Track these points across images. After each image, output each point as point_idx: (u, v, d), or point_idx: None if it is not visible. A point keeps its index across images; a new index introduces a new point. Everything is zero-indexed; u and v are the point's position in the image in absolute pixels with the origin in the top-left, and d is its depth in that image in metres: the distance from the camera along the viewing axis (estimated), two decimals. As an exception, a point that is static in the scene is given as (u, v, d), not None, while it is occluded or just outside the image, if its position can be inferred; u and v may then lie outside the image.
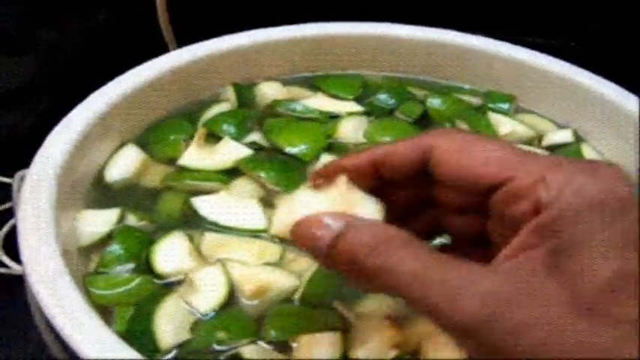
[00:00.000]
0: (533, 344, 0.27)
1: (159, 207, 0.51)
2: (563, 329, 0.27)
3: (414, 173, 0.35)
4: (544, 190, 0.30)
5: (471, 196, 0.34)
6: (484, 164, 0.32)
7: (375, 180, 0.37)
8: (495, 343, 0.27)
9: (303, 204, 0.36)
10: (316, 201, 0.36)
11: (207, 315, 0.44)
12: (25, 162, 0.49)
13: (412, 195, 0.38)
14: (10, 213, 0.65)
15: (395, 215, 0.36)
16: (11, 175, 0.50)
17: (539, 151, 0.60)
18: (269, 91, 0.63)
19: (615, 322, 0.27)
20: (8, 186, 0.66)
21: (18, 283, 0.45)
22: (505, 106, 0.65)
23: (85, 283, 0.45)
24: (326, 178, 0.37)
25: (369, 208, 0.36)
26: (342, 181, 0.36)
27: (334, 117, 0.61)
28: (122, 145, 0.56)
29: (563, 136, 0.62)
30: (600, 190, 0.29)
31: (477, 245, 0.36)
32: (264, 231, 0.49)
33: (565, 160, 0.31)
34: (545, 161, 0.31)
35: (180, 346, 0.42)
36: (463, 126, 0.61)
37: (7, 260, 0.63)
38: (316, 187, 0.37)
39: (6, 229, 0.65)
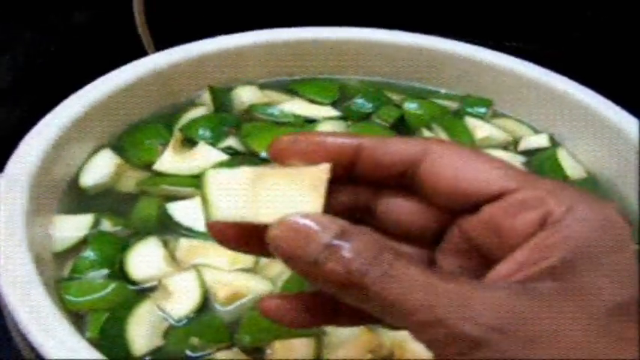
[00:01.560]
0: (548, 358, 0.26)
1: (134, 212, 0.51)
2: (582, 346, 0.26)
3: (394, 176, 0.32)
4: (556, 203, 0.28)
5: (443, 212, 0.32)
6: (485, 174, 0.30)
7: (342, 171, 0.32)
8: (505, 356, 0.26)
9: (265, 185, 0.30)
10: (283, 183, 0.30)
11: (181, 321, 0.44)
12: (2, 164, 0.48)
13: (353, 203, 0.34)
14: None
15: None
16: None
17: (517, 157, 0.60)
18: (246, 95, 0.63)
19: (631, 342, 0.26)
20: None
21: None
22: (482, 110, 0.65)
23: (58, 289, 0.44)
24: (301, 150, 0.32)
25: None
26: (324, 170, 0.31)
27: (311, 121, 0.61)
28: (98, 149, 0.56)
29: (539, 141, 0.62)
30: (606, 216, 0.28)
31: None
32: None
33: (568, 185, 0.30)
34: (551, 181, 0.30)
35: (153, 352, 0.42)
36: (441, 132, 0.61)
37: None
38: (284, 158, 0.32)
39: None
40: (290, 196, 0.30)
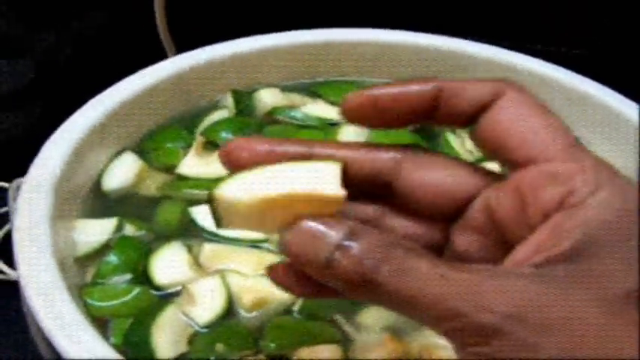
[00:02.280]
0: (565, 344, 0.25)
1: (157, 216, 0.51)
2: (596, 332, 0.25)
3: (465, 120, 0.31)
4: (582, 182, 0.27)
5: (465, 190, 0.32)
6: (531, 134, 0.29)
7: (427, 120, 0.32)
8: (522, 345, 0.25)
9: (280, 174, 0.30)
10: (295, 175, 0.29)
11: (205, 327, 0.43)
12: (20, 166, 0.48)
13: (366, 179, 0.33)
14: (5, 218, 0.65)
15: None
16: (6, 179, 0.49)
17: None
18: (268, 98, 0.63)
19: None
20: (2, 189, 0.66)
21: (14, 288, 0.45)
22: (506, 113, 0.64)
23: (81, 294, 0.44)
24: (355, 108, 0.32)
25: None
26: (337, 172, 0.30)
27: (334, 124, 0.61)
28: (120, 152, 0.56)
29: (565, 144, 0.61)
30: (629, 201, 0.27)
31: None
32: (264, 241, 0.48)
33: (609, 164, 0.29)
34: (590, 157, 0.29)
35: (178, 358, 0.42)
36: (464, 135, 0.61)
37: (2, 266, 0.62)
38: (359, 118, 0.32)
39: (1, 234, 0.64)
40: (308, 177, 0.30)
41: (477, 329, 0.26)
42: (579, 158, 0.28)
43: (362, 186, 0.33)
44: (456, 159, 0.34)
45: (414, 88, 0.31)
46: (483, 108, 0.30)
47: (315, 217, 0.29)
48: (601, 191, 0.27)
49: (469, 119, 0.31)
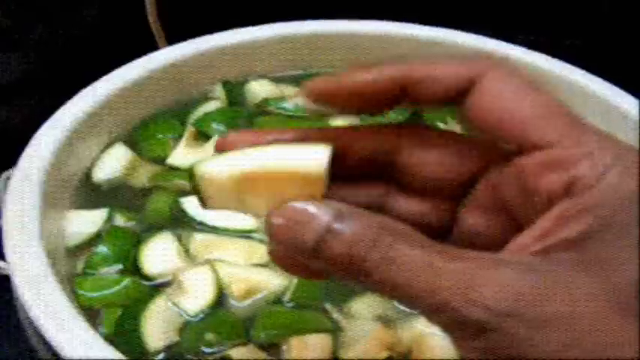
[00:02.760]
0: (563, 342, 0.24)
1: (147, 207, 0.51)
2: (599, 327, 0.24)
3: (445, 103, 0.29)
4: (589, 167, 0.26)
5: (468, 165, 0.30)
6: (535, 115, 0.27)
7: (394, 106, 0.30)
8: (517, 341, 0.24)
9: (265, 154, 0.28)
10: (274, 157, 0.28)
11: (196, 316, 0.43)
12: (14, 159, 0.48)
13: (368, 160, 0.31)
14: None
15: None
16: (-1, 171, 0.49)
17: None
18: (259, 89, 0.63)
19: None
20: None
21: (6, 282, 0.45)
22: (498, 104, 0.64)
23: (72, 284, 0.44)
24: (321, 95, 0.30)
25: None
26: (325, 153, 0.28)
27: (325, 115, 0.60)
28: (110, 144, 0.56)
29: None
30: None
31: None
32: (254, 231, 0.48)
33: (612, 138, 0.27)
34: (595, 134, 0.27)
35: (168, 348, 0.42)
36: (457, 127, 0.61)
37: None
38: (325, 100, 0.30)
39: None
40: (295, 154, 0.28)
41: (468, 324, 0.24)
42: (583, 141, 0.26)
43: (364, 167, 0.32)
44: (458, 135, 0.32)
45: (377, 77, 0.29)
46: (461, 92, 0.29)
47: (301, 198, 0.27)
48: (608, 175, 0.25)
49: (444, 103, 0.29)
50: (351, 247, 0.26)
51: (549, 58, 0.63)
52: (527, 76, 0.29)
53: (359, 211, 0.27)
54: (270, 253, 0.32)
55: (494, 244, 0.28)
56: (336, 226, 0.26)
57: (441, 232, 0.31)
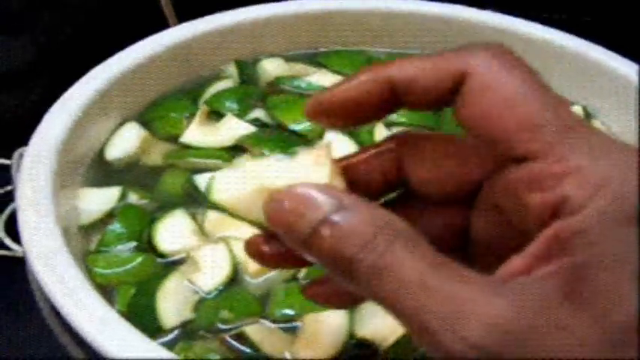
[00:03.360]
0: None
1: (160, 185, 0.50)
2: None
3: (433, 105, 0.28)
4: (577, 185, 0.23)
5: (471, 173, 0.28)
6: (517, 126, 0.25)
7: (388, 111, 0.28)
8: None
9: (266, 173, 0.29)
10: (283, 171, 0.29)
11: (210, 294, 0.43)
12: (24, 144, 0.48)
13: (382, 176, 0.31)
14: (10, 196, 0.65)
15: None
16: (9, 157, 0.49)
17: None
18: (272, 67, 0.62)
19: None
20: (6, 168, 0.66)
21: (21, 265, 0.44)
22: (512, 82, 0.63)
23: (85, 262, 0.44)
24: (319, 114, 0.29)
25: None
26: (324, 150, 0.29)
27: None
28: (123, 122, 0.55)
29: (572, 113, 0.61)
30: (634, 205, 0.23)
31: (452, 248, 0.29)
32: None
33: (610, 145, 0.24)
34: (587, 143, 0.24)
35: (183, 325, 0.42)
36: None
37: (9, 242, 0.62)
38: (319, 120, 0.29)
39: (8, 211, 0.64)
40: (295, 173, 0.28)
41: (446, 353, 0.23)
42: (571, 154, 0.24)
43: (373, 188, 0.31)
44: (457, 139, 0.30)
45: (362, 88, 0.28)
46: (446, 96, 0.27)
47: (306, 183, 0.26)
48: (598, 196, 0.23)
49: (436, 106, 0.28)
50: (341, 244, 0.25)
51: (569, 35, 0.62)
52: (520, 60, 0.26)
53: (363, 203, 0.26)
54: (306, 293, 0.32)
55: (508, 246, 0.26)
56: (333, 217, 0.25)
57: (459, 241, 0.30)
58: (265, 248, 0.30)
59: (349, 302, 0.32)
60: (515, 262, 0.24)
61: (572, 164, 0.24)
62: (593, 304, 0.22)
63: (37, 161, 0.45)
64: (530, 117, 0.25)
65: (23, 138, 0.48)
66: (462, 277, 0.24)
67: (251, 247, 0.31)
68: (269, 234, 0.30)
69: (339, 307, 0.32)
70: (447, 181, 0.30)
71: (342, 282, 0.25)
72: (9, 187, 0.65)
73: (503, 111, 0.25)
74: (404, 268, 0.23)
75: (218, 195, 0.29)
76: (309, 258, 0.26)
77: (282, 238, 0.27)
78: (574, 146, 0.24)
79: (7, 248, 0.61)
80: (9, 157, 0.62)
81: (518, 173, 0.25)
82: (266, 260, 0.31)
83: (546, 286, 0.23)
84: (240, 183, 0.29)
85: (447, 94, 0.27)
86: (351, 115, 0.28)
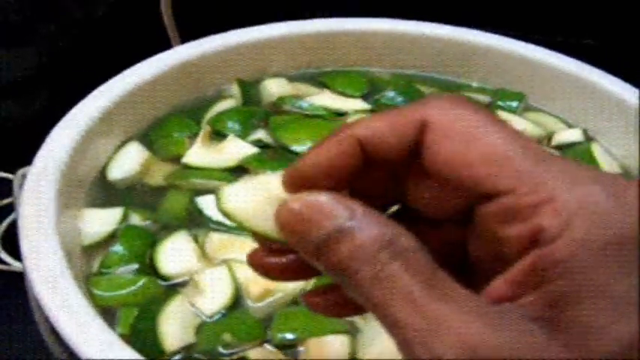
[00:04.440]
0: None
1: (163, 206, 0.50)
2: None
3: (402, 158, 0.28)
4: (550, 215, 0.23)
5: (459, 199, 0.28)
6: (482, 162, 0.25)
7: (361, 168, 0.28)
8: None
9: (275, 184, 0.29)
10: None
11: (212, 317, 0.43)
12: (25, 155, 0.48)
13: (383, 192, 0.30)
14: (8, 209, 0.65)
15: None
16: (10, 169, 0.49)
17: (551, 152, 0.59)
18: (274, 87, 0.62)
19: None
20: (5, 180, 0.66)
21: (17, 279, 0.44)
22: (514, 104, 0.64)
23: (87, 283, 0.44)
24: (297, 185, 0.28)
25: None
26: None
27: (341, 114, 0.60)
28: (125, 141, 0.55)
29: (573, 135, 0.61)
30: (622, 224, 0.23)
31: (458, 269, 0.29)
32: (271, 231, 0.48)
33: (584, 172, 0.24)
34: (559, 172, 0.24)
35: (185, 348, 0.41)
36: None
37: (5, 257, 0.62)
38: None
39: (5, 225, 0.64)
40: None
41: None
42: (542, 184, 0.24)
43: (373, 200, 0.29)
44: None
45: (331, 151, 0.28)
46: (410, 149, 0.27)
47: (321, 192, 0.26)
48: (573, 225, 0.23)
49: (403, 164, 0.28)
50: (350, 255, 0.25)
51: (570, 59, 0.63)
52: (476, 104, 0.27)
53: (373, 216, 0.26)
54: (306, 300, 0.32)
55: (502, 262, 0.26)
56: (346, 228, 0.25)
57: (460, 252, 0.30)
58: (269, 260, 0.30)
59: (346, 313, 0.32)
60: (500, 286, 0.24)
61: (544, 195, 0.24)
62: (569, 332, 0.22)
63: (40, 182, 0.45)
64: (494, 150, 0.25)
65: (23, 151, 0.48)
66: (450, 296, 0.24)
67: (254, 259, 0.31)
68: (270, 249, 0.30)
69: (335, 316, 0.32)
70: (440, 203, 0.29)
71: (345, 288, 0.26)
72: (5, 201, 0.65)
73: (467, 150, 0.25)
74: (398, 284, 0.24)
75: (228, 204, 0.29)
76: (317, 265, 0.26)
77: (293, 246, 0.27)
78: (545, 176, 0.24)
79: (4, 262, 0.62)
80: (7, 170, 0.62)
81: (490, 208, 0.25)
82: (269, 272, 0.31)
83: (526, 313, 0.23)
84: (250, 193, 0.29)
85: (411, 147, 0.27)
86: (327, 180, 0.28)
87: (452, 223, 0.29)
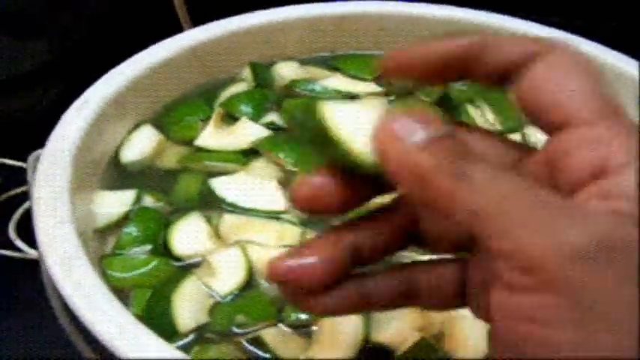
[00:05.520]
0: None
1: (176, 188, 0.51)
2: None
3: (505, 73, 0.28)
4: (618, 147, 0.24)
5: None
6: (565, 98, 0.26)
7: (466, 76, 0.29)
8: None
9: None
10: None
11: (226, 297, 0.43)
12: (39, 145, 0.48)
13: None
14: (21, 197, 0.65)
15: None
16: (23, 159, 0.49)
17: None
18: (287, 71, 0.62)
19: None
20: (20, 169, 0.66)
21: (31, 267, 0.44)
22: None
23: (101, 265, 0.44)
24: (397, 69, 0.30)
25: None
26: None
27: (353, 97, 0.60)
28: (138, 125, 0.55)
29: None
30: None
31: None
32: (283, 212, 0.48)
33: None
34: (623, 120, 0.25)
35: (198, 328, 0.42)
36: (485, 108, 0.60)
37: (21, 244, 0.62)
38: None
39: (19, 213, 0.64)
40: None
41: (521, 261, 0.23)
42: (615, 122, 0.25)
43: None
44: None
45: (454, 44, 0.28)
46: (519, 66, 0.28)
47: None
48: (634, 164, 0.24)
49: (505, 76, 0.28)
50: (444, 157, 0.25)
51: (584, 39, 0.62)
52: (589, 64, 0.27)
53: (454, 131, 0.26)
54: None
55: None
56: (436, 137, 0.25)
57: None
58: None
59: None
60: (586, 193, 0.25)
61: (615, 129, 0.25)
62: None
63: (54, 164, 0.46)
64: (585, 89, 0.26)
65: (36, 140, 0.48)
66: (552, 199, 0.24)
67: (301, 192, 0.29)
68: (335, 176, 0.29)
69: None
70: (442, 232, 0.30)
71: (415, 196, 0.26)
72: (19, 189, 0.65)
73: (560, 85, 0.26)
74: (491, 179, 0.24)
75: (333, 118, 0.28)
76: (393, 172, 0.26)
77: (381, 140, 0.26)
78: (619, 117, 0.25)
79: (18, 249, 0.62)
80: (21, 159, 0.62)
81: (559, 140, 0.26)
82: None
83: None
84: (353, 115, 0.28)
85: (520, 64, 0.27)
86: (433, 70, 0.29)
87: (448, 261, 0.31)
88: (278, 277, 0.29)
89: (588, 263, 0.22)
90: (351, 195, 0.29)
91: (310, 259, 0.29)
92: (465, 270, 0.30)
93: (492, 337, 0.25)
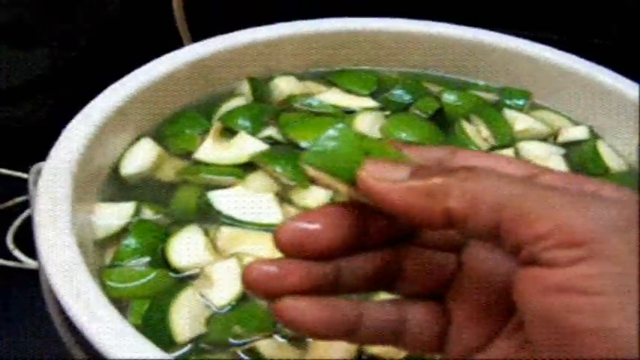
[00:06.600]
0: None
1: (174, 201, 0.51)
2: None
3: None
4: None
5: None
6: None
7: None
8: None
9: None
10: None
11: (223, 309, 0.44)
12: (37, 155, 0.49)
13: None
14: (20, 207, 0.65)
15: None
16: (23, 169, 0.50)
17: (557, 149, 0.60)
18: (284, 85, 0.63)
19: None
20: (17, 179, 0.67)
21: (30, 277, 0.45)
22: (521, 102, 0.64)
23: (100, 276, 0.45)
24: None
25: None
26: None
27: (350, 112, 0.61)
28: (138, 138, 0.56)
29: (579, 133, 0.61)
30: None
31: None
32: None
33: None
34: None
35: (195, 339, 0.42)
36: (480, 124, 0.61)
37: (19, 254, 0.63)
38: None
39: (17, 223, 0.65)
40: None
41: (565, 235, 0.24)
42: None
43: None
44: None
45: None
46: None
47: None
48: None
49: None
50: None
51: (576, 57, 0.63)
52: None
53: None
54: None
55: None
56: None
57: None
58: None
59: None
60: None
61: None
62: None
63: (55, 176, 0.46)
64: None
65: (35, 150, 0.49)
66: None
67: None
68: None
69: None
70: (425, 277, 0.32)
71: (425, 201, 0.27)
72: (17, 200, 0.66)
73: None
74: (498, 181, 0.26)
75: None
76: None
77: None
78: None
79: (16, 259, 0.62)
80: (19, 169, 0.63)
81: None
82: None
83: None
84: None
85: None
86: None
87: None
88: (284, 243, 0.30)
89: (625, 234, 0.24)
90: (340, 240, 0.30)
91: (316, 225, 0.30)
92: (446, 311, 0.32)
93: (528, 324, 0.26)
